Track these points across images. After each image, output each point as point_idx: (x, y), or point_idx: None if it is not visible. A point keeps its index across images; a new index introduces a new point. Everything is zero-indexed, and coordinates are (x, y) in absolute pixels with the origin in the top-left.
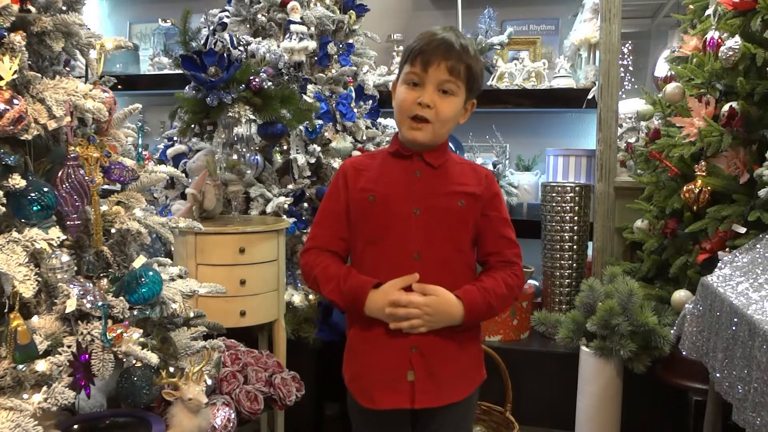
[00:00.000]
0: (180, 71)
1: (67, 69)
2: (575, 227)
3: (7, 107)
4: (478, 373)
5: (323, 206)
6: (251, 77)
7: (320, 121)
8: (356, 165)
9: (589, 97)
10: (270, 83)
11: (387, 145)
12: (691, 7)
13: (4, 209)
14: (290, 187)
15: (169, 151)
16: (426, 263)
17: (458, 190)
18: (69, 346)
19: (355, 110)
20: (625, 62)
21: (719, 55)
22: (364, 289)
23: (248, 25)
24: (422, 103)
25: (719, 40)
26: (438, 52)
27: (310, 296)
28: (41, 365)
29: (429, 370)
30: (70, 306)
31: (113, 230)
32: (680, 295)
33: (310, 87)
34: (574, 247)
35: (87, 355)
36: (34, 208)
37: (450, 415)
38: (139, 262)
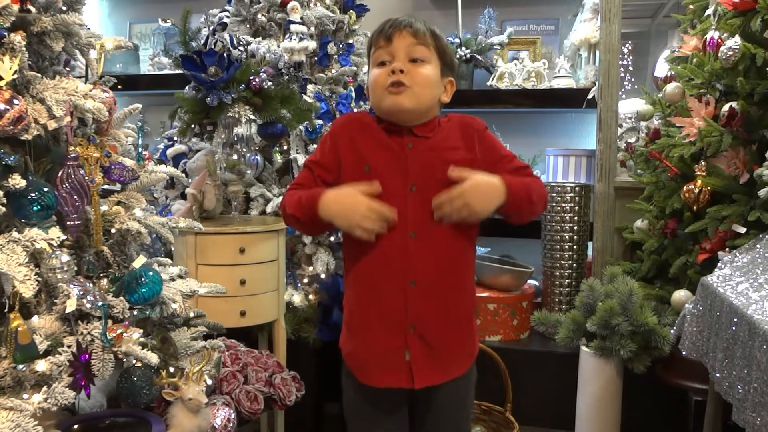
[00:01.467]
0: (180, 71)
1: (67, 69)
2: (575, 227)
3: (7, 107)
4: (474, 346)
5: (310, 159)
6: (251, 77)
7: (320, 121)
8: (348, 125)
9: (589, 97)
10: (270, 83)
11: None
12: (691, 7)
13: (4, 209)
14: None
15: (169, 151)
16: (422, 241)
17: (451, 158)
18: (69, 346)
19: (355, 110)
20: (625, 62)
21: (719, 55)
22: (319, 193)
23: (248, 25)
24: (395, 69)
25: (719, 40)
26: (398, 24)
27: (310, 296)
28: (41, 365)
29: (426, 349)
30: (70, 306)
31: (113, 230)
32: (680, 295)
33: (310, 87)
34: (574, 247)
35: (87, 355)
36: (34, 208)
37: (451, 392)
38: (139, 262)
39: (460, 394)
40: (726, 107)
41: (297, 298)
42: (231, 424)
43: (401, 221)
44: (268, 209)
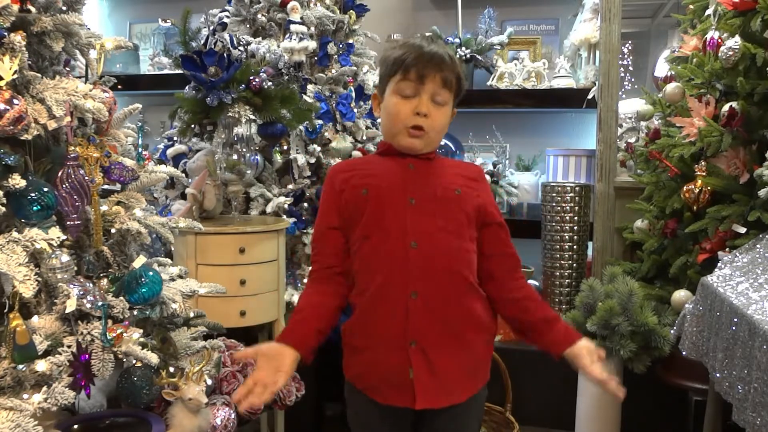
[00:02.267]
0: (180, 71)
1: (67, 69)
2: (575, 227)
3: (7, 107)
4: (484, 373)
5: (318, 223)
6: (251, 77)
7: (320, 121)
8: (343, 169)
9: (589, 97)
10: (270, 83)
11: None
12: (691, 7)
13: (4, 209)
14: (290, 187)
15: (169, 151)
16: (423, 251)
17: (452, 181)
18: (69, 346)
19: (355, 110)
20: (625, 62)
21: (719, 55)
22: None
23: (248, 25)
24: (420, 112)
25: (719, 40)
26: (431, 65)
27: None
28: (41, 365)
29: (429, 366)
30: (70, 306)
31: (113, 230)
32: (680, 295)
33: (310, 87)
34: (574, 247)
35: (87, 355)
36: (34, 208)
37: (454, 417)
38: (139, 262)
39: (464, 418)
40: (726, 107)
41: (297, 298)
42: (231, 424)
43: (401, 232)
44: (268, 209)
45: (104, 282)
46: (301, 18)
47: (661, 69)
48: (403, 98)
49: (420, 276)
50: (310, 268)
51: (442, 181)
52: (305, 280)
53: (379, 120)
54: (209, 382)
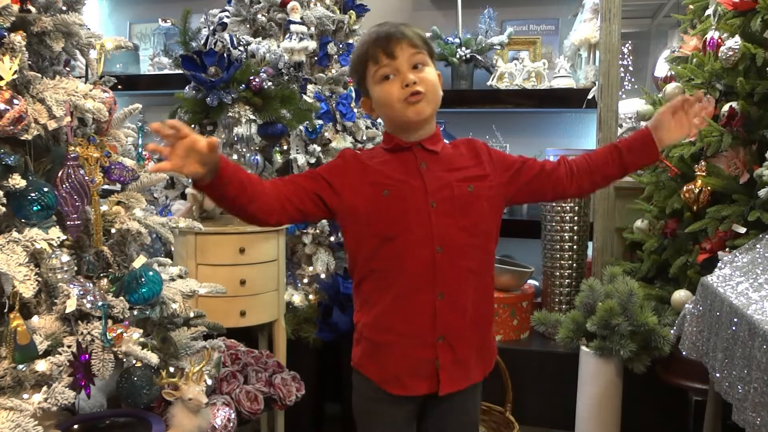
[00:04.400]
0: (180, 71)
1: (67, 69)
2: (575, 227)
3: (7, 107)
4: (493, 354)
5: (315, 170)
6: (251, 77)
7: (320, 121)
8: (359, 157)
9: (589, 97)
10: (270, 83)
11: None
12: (691, 7)
13: (4, 209)
14: None
15: None
16: (448, 254)
17: (464, 175)
18: (69, 346)
19: (355, 110)
20: (625, 62)
21: (719, 55)
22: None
23: (248, 25)
24: (408, 83)
25: (719, 40)
26: (392, 39)
27: (310, 296)
28: (41, 365)
29: (454, 357)
30: (70, 306)
31: (113, 230)
32: (680, 295)
33: (310, 87)
34: (574, 247)
35: (87, 355)
36: (34, 208)
37: (473, 392)
38: (139, 262)
39: (475, 399)
40: (726, 107)
41: (297, 298)
42: (231, 424)
43: (427, 236)
44: None
45: (104, 282)
46: (301, 18)
47: (661, 69)
48: (387, 80)
49: (446, 278)
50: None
51: (456, 176)
52: (305, 280)
53: (378, 120)
54: (209, 382)
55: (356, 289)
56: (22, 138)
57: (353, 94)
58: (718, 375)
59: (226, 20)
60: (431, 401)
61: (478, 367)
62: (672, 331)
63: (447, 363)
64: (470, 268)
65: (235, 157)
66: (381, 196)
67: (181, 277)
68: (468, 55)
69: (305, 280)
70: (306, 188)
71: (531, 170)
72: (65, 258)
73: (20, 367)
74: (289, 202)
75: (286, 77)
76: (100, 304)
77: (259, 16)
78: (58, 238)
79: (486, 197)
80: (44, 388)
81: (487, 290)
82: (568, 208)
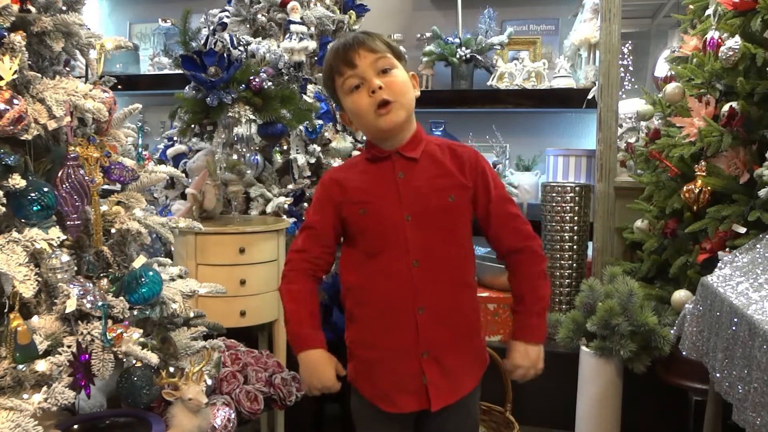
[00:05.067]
0: (180, 71)
1: (67, 69)
2: (575, 227)
3: (7, 107)
4: (484, 355)
5: (313, 220)
6: (251, 77)
7: (320, 121)
8: (336, 178)
9: (589, 97)
10: (270, 83)
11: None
12: (691, 7)
13: (4, 209)
14: (290, 187)
15: (169, 151)
16: (425, 268)
17: (445, 184)
18: (69, 346)
19: None
20: (625, 62)
21: (719, 55)
22: (305, 342)
23: (248, 25)
24: (374, 90)
25: (719, 40)
26: (350, 49)
27: None
28: (41, 365)
29: (441, 370)
30: (70, 306)
31: (113, 230)
32: (680, 295)
33: (310, 87)
34: (574, 247)
35: (87, 355)
36: (34, 208)
37: (464, 403)
38: (139, 262)
39: (473, 405)
40: (726, 107)
41: None
42: (231, 424)
43: (402, 251)
44: (268, 209)
45: (104, 282)
46: (301, 18)
47: (661, 69)
48: (355, 91)
49: (425, 292)
50: (290, 248)
51: (434, 185)
52: None
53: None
54: (209, 382)
55: (343, 305)
56: (22, 138)
57: None
58: (718, 375)
59: (226, 20)
60: (425, 415)
61: (469, 377)
62: (672, 331)
63: (435, 378)
64: (450, 280)
65: (235, 157)
66: (359, 215)
67: (181, 277)
68: (468, 55)
69: None
70: (325, 234)
71: (492, 209)
72: (65, 258)
73: (20, 367)
74: (319, 267)
75: (286, 77)
76: (100, 304)
77: (259, 16)
78: (58, 238)
79: (464, 206)
80: (44, 388)
81: (470, 299)
82: (568, 208)
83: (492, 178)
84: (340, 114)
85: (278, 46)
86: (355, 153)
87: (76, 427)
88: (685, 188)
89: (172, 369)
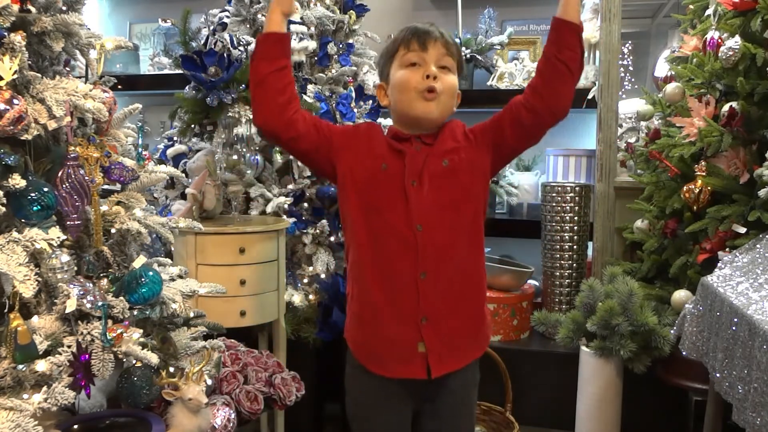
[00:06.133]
0: (180, 71)
1: (67, 69)
2: (575, 227)
3: (7, 107)
4: (487, 332)
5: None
6: None
7: None
8: (377, 131)
9: (589, 97)
10: None
11: None
12: (691, 7)
13: (4, 209)
14: (290, 187)
15: (169, 151)
16: (429, 232)
17: (449, 157)
18: (69, 346)
19: (355, 110)
20: (625, 62)
21: (719, 55)
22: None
23: (248, 25)
24: (430, 74)
25: (719, 40)
26: (430, 34)
27: (310, 296)
28: (41, 365)
29: (440, 337)
30: (70, 306)
31: (113, 230)
32: (680, 295)
33: (310, 87)
34: (574, 247)
35: (87, 355)
36: (34, 208)
37: (465, 375)
38: (139, 262)
39: (473, 378)
40: (726, 107)
41: (297, 298)
42: (231, 424)
43: (407, 214)
44: (268, 209)
45: (104, 282)
46: (301, 18)
47: (661, 69)
48: (411, 67)
49: (427, 257)
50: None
51: (437, 156)
52: (305, 280)
53: (386, 109)
54: (209, 382)
55: (346, 259)
56: (22, 138)
57: (353, 94)
58: (718, 375)
59: (226, 20)
60: (431, 387)
61: (470, 343)
62: (672, 331)
63: (434, 345)
64: (453, 246)
65: (235, 157)
66: (379, 169)
67: (181, 277)
68: (468, 55)
69: (305, 280)
70: (318, 126)
71: (499, 118)
72: (65, 258)
73: (20, 367)
74: (303, 115)
75: None
76: (100, 304)
77: (259, 16)
78: (58, 238)
79: (464, 170)
80: (44, 388)
81: (475, 267)
82: (568, 208)
83: (478, 127)
84: (378, 85)
85: None
86: None
87: (76, 427)
88: (685, 188)
89: (172, 369)
